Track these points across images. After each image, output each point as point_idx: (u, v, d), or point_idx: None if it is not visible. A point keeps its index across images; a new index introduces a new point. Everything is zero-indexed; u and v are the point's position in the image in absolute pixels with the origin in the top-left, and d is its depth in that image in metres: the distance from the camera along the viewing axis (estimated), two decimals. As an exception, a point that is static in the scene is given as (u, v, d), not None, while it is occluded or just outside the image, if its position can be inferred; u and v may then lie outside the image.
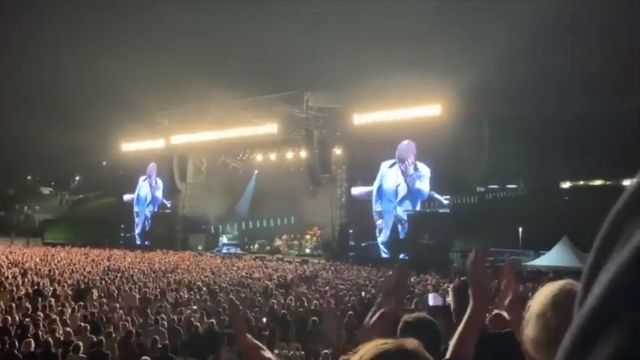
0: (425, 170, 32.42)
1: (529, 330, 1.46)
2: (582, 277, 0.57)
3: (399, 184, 33.40)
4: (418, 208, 32.85)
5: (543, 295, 1.50)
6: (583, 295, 0.54)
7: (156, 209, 45.25)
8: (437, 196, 32.13)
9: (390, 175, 34.03)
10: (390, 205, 33.70)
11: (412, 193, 32.84)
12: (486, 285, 2.07)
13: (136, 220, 46.32)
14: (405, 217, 33.31)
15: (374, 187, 34.50)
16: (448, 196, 32.38)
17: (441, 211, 32.37)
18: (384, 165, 34.27)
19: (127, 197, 47.43)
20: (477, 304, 1.99)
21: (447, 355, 2.00)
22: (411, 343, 1.23)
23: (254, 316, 12.06)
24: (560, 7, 48.85)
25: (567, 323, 1.38)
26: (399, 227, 33.44)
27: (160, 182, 45.11)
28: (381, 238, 33.62)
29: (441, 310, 3.72)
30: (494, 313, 3.46)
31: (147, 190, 46.27)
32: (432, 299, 4.08)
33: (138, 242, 44.00)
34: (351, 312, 10.07)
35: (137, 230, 45.83)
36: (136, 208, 46.43)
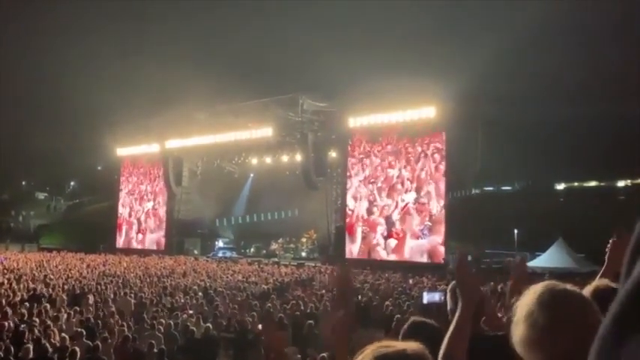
0: None
1: (519, 331, 1.48)
2: (622, 268, 0.59)
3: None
4: None
5: (529, 296, 1.53)
6: (624, 282, 0.57)
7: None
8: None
9: None
10: None
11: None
12: (471, 283, 2.11)
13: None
14: None
15: None
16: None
17: None
18: None
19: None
20: (464, 302, 2.03)
21: (439, 356, 2.02)
22: (415, 347, 1.23)
23: (251, 320, 12.05)
24: (553, 10, 49.11)
25: (554, 322, 1.42)
26: None
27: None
28: None
29: (436, 307, 3.74)
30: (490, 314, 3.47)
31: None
32: (426, 297, 4.12)
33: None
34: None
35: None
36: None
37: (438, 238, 25.03)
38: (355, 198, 29.33)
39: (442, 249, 26.29)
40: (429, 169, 25.85)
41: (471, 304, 2.04)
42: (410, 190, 25.92)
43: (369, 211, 27.67)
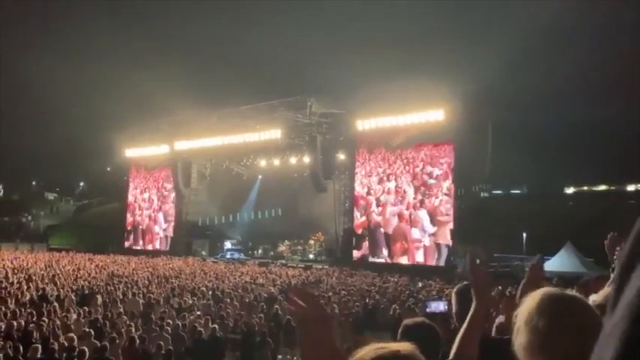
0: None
1: (520, 337, 1.49)
2: (613, 281, 0.58)
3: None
4: None
5: (529, 302, 1.54)
6: (615, 296, 0.57)
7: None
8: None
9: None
10: None
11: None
12: (485, 284, 2.12)
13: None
14: None
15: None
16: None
17: None
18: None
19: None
20: (478, 303, 2.03)
21: (451, 355, 2.03)
22: (407, 347, 1.26)
23: (258, 321, 12.07)
24: (564, 13, 48.90)
25: (554, 326, 1.42)
26: None
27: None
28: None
29: (440, 315, 3.76)
30: (500, 319, 3.48)
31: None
32: (430, 306, 4.14)
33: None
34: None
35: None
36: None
37: (403, 206, 33.02)
38: (360, 184, 35.52)
39: (407, 213, 32.69)
40: (402, 169, 33.65)
41: (484, 303, 2.05)
42: (391, 180, 33.91)
43: (368, 193, 34.75)
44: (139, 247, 43.84)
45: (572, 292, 1.57)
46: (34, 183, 78.38)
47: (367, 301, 15.45)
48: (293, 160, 38.81)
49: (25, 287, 16.70)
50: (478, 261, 2.26)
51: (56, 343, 9.18)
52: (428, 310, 4.10)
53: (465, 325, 2.03)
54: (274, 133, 36.03)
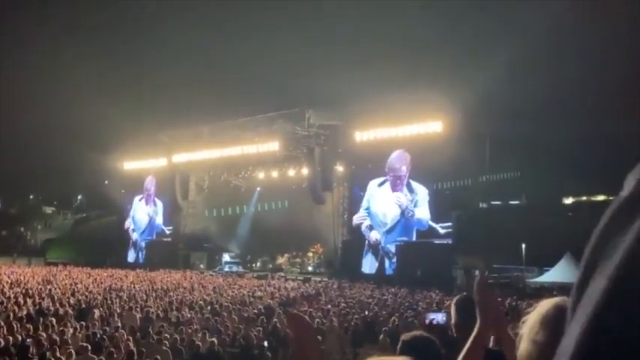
0: (422, 192, 31.47)
1: (522, 346, 1.48)
2: (572, 290, 0.57)
3: (390, 207, 32.62)
4: (414, 238, 31.49)
5: (535, 311, 1.53)
6: (573, 307, 0.55)
7: (154, 237, 44.85)
8: (433, 224, 30.95)
9: (379, 196, 33.34)
10: (380, 230, 33.00)
11: (407, 220, 31.80)
12: (493, 305, 2.09)
13: (130, 246, 45.92)
14: (394, 250, 31.97)
15: (361, 208, 34.30)
16: (449, 224, 31.01)
17: (438, 242, 30.85)
18: (373, 183, 33.66)
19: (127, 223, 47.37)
20: (484, 324, 2.00)
21: None
22: None
23: (256, 335, 11.98)
24: (563, 25, 49.23)
25: (554, 339, 1.39)
26: (386, 261, 32.24)
27: (159, 204, 44.94)
28: (366, 270, 32.64)
29: (438, 327, 3.74)
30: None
31: (144, 212, 45.88)
32: (429, 318, 4.14)
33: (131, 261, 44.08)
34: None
35: (129, 258, 45.14)
36: (131, 228, 46.48)
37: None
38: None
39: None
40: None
41: (489, 324, 2.03)
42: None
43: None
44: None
45: None
46: (31, 196, 78.16)
47: (366, 313, 15.37)
48: (291, 172, 38.77)
49: (22, 302, 16.58)
50: (477, 272, 2.24)
51: (53, 358, 9.09)
52: (427, 321, 4.10)
53: (468, 344, 2.01)
54: (272, 145, 36.07)
